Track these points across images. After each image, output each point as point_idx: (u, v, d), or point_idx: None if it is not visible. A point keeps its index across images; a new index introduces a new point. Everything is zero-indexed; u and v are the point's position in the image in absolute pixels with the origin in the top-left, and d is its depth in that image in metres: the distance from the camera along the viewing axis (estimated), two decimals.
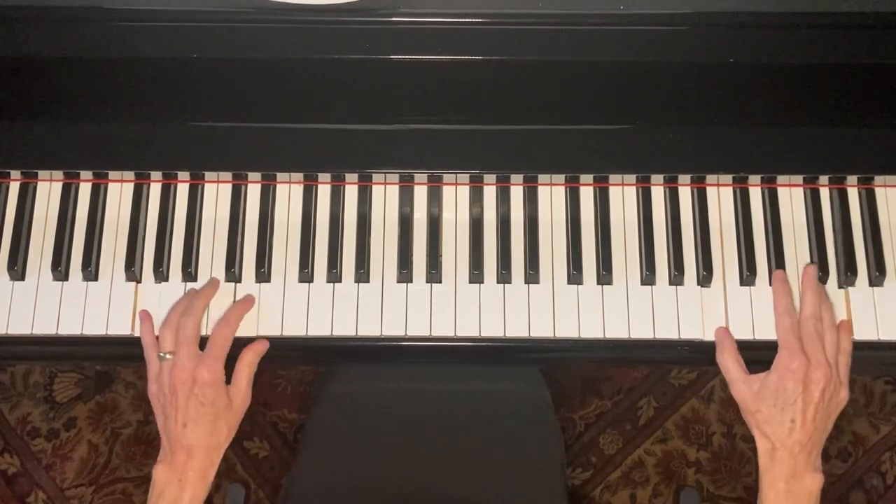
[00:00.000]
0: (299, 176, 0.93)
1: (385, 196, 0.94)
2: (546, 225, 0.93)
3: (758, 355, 0.86)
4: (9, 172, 0.94)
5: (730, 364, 0.86)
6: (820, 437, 0.83)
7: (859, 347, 0.90)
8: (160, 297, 0.91)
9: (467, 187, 0.94)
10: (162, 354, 0.85)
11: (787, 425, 0.81)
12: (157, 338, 0.87)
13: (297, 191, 0.94)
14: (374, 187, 0.94)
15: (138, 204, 0.93)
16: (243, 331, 0.89)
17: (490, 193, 0.94)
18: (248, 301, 0.90)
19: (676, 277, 0.91)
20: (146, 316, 0.89)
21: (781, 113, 0.91)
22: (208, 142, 0.90)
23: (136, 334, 0.89)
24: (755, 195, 0.94)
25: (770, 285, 0.91)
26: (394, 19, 0.90)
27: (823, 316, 0.86)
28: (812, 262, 0.91)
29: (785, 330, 0.85)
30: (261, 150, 0.90)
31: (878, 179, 0.93)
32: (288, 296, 0.91)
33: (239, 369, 0.87)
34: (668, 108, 0.91)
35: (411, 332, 0.90)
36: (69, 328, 0.90)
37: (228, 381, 0.86)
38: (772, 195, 0.93)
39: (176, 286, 0.91)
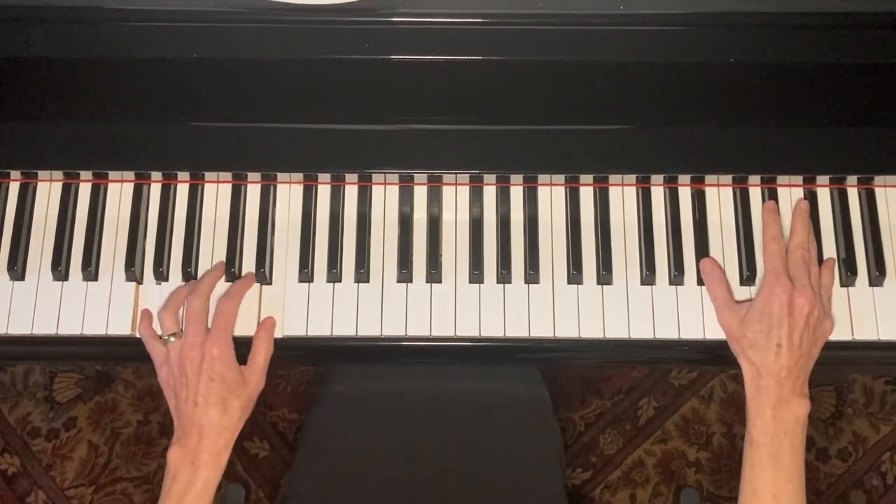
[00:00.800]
0: (299, 176, 0.93)
1: (385, 196, 0.94)
2: (546, 225, 0.93)
3: None
4: (9, 172, 0.94)
5: (718, 290, 0.87)
6: (806, 364, 0.83)
7: (859, 347, 0.90)
8: (160, 297, 0.90)
9: (467, 187, 0.94)
10: (165, 337, 0.85)
11: (772, 350, 0.81)
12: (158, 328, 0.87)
13: (297, 191, 0.94)
14: (374, 187, 0.94)
15: (138, 204, 0.93)
16: (243, 330, 0.89)
17: (490, 193, 0.94)
18: (249, 278, 0.90)
19: (676, 277, 0.91)
20: (147, 313, 0.89)
21: (781, 113, 0.91)
22: (208, 142, 0.90)
23: (137, 334, 0.89)
24: (755, 195, 0.94)
25: None
26: (394, 19, 0.90)
27: (810, 247, 0.88)
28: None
29: (772, 255, 0.86)
30: (261, 150, 0.90)
31: (878, 179, 0.93)
32: (288, 296, 0.91)
33: (256, 348, 0.87)
34: (668, 108, 0.91)
35: (411, 332, 0.90)
36: (69, 328, 0.90)
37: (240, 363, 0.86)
38: (772, 195, 0.93)
39: (176, 286, 0.91)
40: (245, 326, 0.89)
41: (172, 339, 0.85)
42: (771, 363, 0.81)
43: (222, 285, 0.91)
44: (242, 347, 0.88)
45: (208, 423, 0.82)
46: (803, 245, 0.87)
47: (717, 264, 0.90)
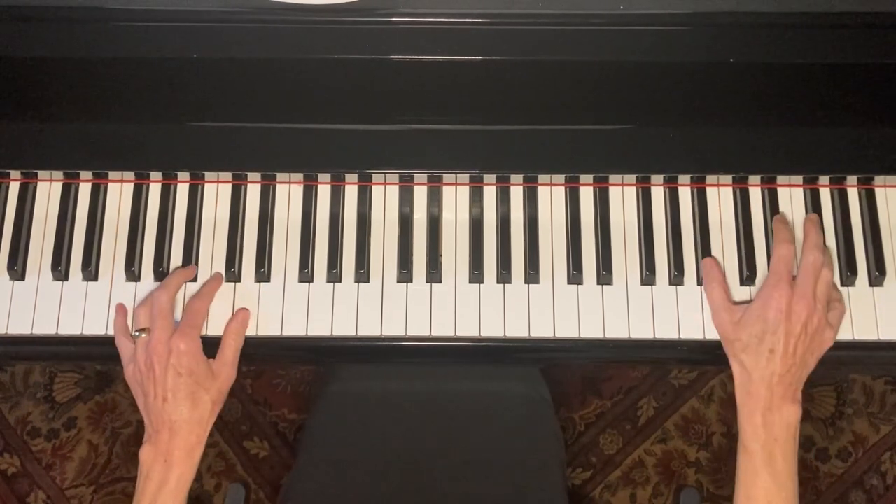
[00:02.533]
0: (299, 176, 0.93)
1: (385, 196, 0.94)
2: (546, 225, 0.93)
3: None
4: (9, 172, 0.94)
5: (716, 292, 0.86)
6: (799, 372, 0.81)
7: (860, 347, 0.90)
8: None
9: (467, 187, 0.94)
10: (136, 333, 0.85)
11: (764, 355, 0.80)
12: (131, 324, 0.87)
13: (297, 191, 0.94)
14: (374, 187, 0.94)
15: (138, 204, 0.93)
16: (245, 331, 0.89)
17: (490, 193, 0.94)
18: (219, 277, 0.90)
19: (676, 277, 0.91)
20: (121, 307, 0.89)
21: (781, 113, 0.91)
22: (208, 142, 0.90)
23: (134, 333, 0.89)
24: (755, 195, 0.94)
25: None
26: (394, 19, 0.90)
27: (823, 253, 0.85)
28: None
29: (779, 259, 0.84)
30: (261, 150, 0.90)
31: (878, 179, 0.93)
32: (288, 296, 0.91)
33: (225, 342, 0.87)
34: (668, 108, 0.91)
35: (411, 332, 0.90)
36: (69, 328, 0.90)
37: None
38: (772, 195, 0.93)
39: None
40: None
41: (143, 335, 0.85)
42: (762, 368, 0.80)
43: (222, 286, 0.91)
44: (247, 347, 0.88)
45: (179, 419, 0.82)
46: (819, 248, 0.85)
47: (718, 265, 0.89)
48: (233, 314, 0.89)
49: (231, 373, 0.86)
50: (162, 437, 0.82)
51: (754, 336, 0.81)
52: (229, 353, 0.86)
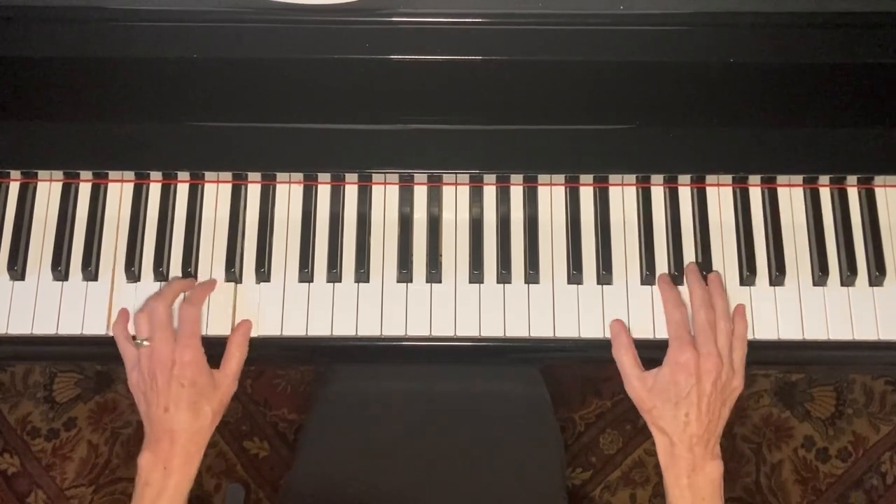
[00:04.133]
0: (299, 176, 0.93)
1: (385, 196, 0.94)
2: (546, 225, 0.93)
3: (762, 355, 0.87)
4: (9, 172, 0.94)
5: (625, 359, 0.86)
6: (716, 427, 0.83)
7: (860, 347, 0.90)
8: None
9: (467, 187, 0.94)
10: (139, 341, 0.85)
11: (681, 419, 0.81)
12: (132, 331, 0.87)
13: (297, 191, 0.94)
14: (374, 187, 0.94)
15: (138, 204, 0.93)
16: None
17: (490, 193, 0.94)
18: (211, 282, 0.90)
19: (676, 277, 0.91)
20: (123, 311, 0.89)
21: (781, 113, 0.91)
22: (208, 142, 0.90)
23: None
24: (755, 195, 0.94)
25: (770, 285, 0.91)
26: (394, 19, 0.90)
27: (716, 304, 0.86)
28: (812, 262, 0.91)
29: (675, 324, 0.85)
30: (261, 150, 0.90)
31: (878, 179, 0.93)
32: (288, 296, 0.91)
33: (229, 353, 0.87)
34: (668, 108, 0.91)
35: (411, 332, 0.90)
36: (69, 328, 0.90)
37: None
38: (772, 195, 0.93)
39: None
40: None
41: (146, 343, 0.85)
42: (681, 432, 0.82)
43: (223, 286, 0.91)
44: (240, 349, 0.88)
45: (180, 429, 0.82)
46: (705, 304, 0.85)
47: (624, 328, 0.88)
48: (236, 326, 0.89)
49: (233, 384, 0.87)
50: (162, 446, 0.82)
51: (669, 402, 0.82)
52: (233, 365, 0.87)
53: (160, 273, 0.91)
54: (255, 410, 1.69)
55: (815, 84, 0.91)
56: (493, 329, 0.90)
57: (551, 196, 0.94)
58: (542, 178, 0.93)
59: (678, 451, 0.82)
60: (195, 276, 0.91)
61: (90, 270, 0.91)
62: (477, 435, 1.08)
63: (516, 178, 0.93)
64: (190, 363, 0.83)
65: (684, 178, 0.93)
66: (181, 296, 0.89)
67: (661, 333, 0.89)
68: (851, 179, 0.93)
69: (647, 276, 0.91)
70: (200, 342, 0.85)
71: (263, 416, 1.69)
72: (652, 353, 0.91)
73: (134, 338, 0.87)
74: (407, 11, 0.89)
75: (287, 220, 0.93)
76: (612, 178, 0.93)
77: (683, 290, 0.90)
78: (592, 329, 0.90)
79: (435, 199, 0.94)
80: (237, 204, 0.93)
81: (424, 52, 0.90)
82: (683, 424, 0.81)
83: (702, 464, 0.81)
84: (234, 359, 0.87)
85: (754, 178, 0.93)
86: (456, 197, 0.94)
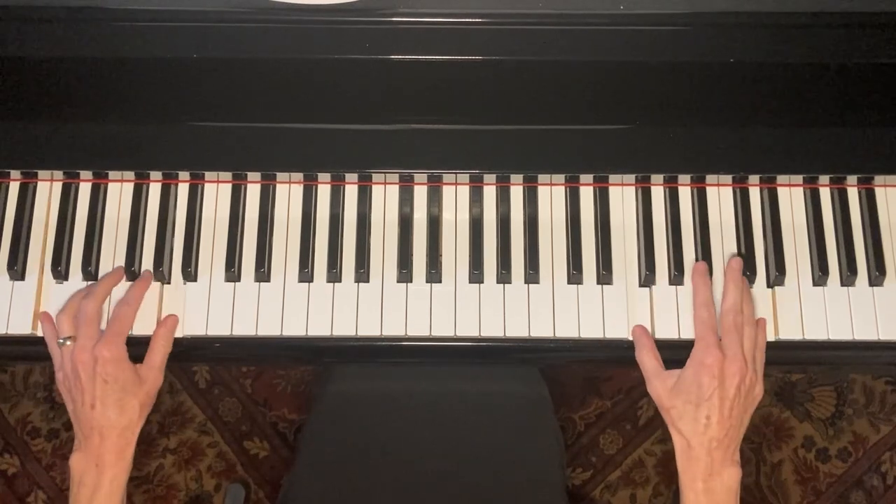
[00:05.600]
0: (299, 176, 0.93)
1: (385, 196, 0.94)
2: (546, 225, 0.93)
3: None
4: (9, 172, 0.94)
5: (647, 361, 0.86)
6: (737, 433, 0.81)
7: (860, 347, 0.90)
8: (160, 297, 0.91)
9: (467, 187, 0.94)
10: (61, 340, 0.85)
11: (702, 422, 0.80)
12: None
13: (297, 191, 0.94)
14: (374, 187, 0.94)
15: (138, 204, 0.93)
16: (241, 330, 0.90)
17: (490, 193, 0.94)
18: (147, 278, 0.90)
19: (676, 277, 0.91)
20: (47, 315, 0.89)
21: (781, 113, 0.91)
22: (208, 142, 0.90)
23: (136, 334, 0.89)
24: (755, 195, 0.94)
25: (770, 285, 0.91)
26: (394, 19, 0.89)
27: (744, 310, 0.85)
28: (812, 262, 0.91)
29: (702, 323, 0.84)
30: (261, 150, 0.90)
31: (878, 179, 0.93)
32: (288, 296, 0.91)
33: (153, 347, 0.87)
34: (668, 108, 0.91)
35: (411, 332, 0.90)
36: (69, 328, 0.90)
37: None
38: (772, 195, 0.93)
39: (176, 286, 0.91)
40: (244, 326, 0.90)
41: (68, 342, 0.85)
42: (700, 434, 0.80)
43: (223, 285, 0.91)
44: (238, 348, 0.87)
45: (108, 425, 0.82)
46: (736, 308, 0.84)
47: (646, 331, 0.88)
48: (162, 319, 0.89)
49: (158, 377, 0.87)
50: (92, 443, 0.82)
51: (690, 403, 0.81)
52: (157, 358, 0.87)
53: (160, 273, 0.91)
54: (255, 410, 1.69)
55: (814, 84, 0.91)
56: (492, 329, 0.90)
57: (551, 196, 0.94)
58: (542, 178, 0.93)
59: (696, 454, 0.80)
60: (195, 277, 0.91)
61: (90, 270, 0.91)
62: (477, 435, 1.08)
63: (516, 178, 0.93)
64: (111, 360, 0.82)
65: (684, 178, 0.93)
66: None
67: (661, 333, 0.89)
68: (851, 179, 0.93)
69: (647, 276, 0.91)
70: (124, 340, 0.85)
71: (263, 416, 1.69)
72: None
73: (58, 339, 0.86)
74: (407, 11, 0.89)
75: (287, 220, 0.93)
76: (612, 178, 0.93)
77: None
78: (592, 329, 0.90)
79: (435, 199, 0.94)
80: (237, 204, 0.93)
81: (424, 52, 0.90)
82: (703, 427, 0.80)
83: (720, 469, 0.80)
84: (158, 352, 0.87)
85: (754, 178, 0.93)
86: (456, 197, 0.94)
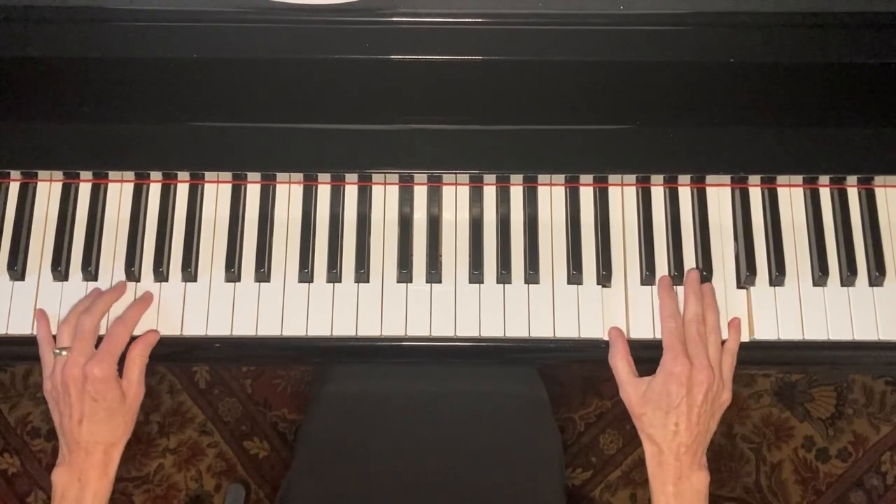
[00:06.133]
0: (299, 176, 0.93)
1: (385, 196, 0.94)
2: (546, 225, 0.93)
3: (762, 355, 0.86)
4: (9, 172, 0.94)
5: (620, 366, 0.87)
6: (704, 438, 0.84)
7: (860, 347, 0.90)
8: (160, 297, 0.91)
9: (467, 187, 0.94)
10: (57, 351, 0.85)
11: (671, 428, 0.82)
12: (55, 337, 0.87)
13: (297, 191, 0.94)
14: (374, 187, 0.94)
15: (138, 204, 0.93)
16: (241, 330, 0.90)
17: (490, 193, 0.94)
18: (147, 299, 0.90)
19: (676, 278, 0.91)
20: (43, 314, 0.89)
21: (781, 113, 0.91)
22: (208, 142, 0.90)
23: (135, 333, 0.89)
24: (755, 195, 0.94)
25: (770, 285, 0.91)
26: (394, 19, 0.90)
27: (707, 318, 0.87)
28: (812, 262, 0.91)
29: (670, 333, 0.86)
30: (261, 150, 0.90)
31: (878, 179, 0.93)
32: (288, 296, 0.91)
33: (129, 362, 0.87)
34: (668, 108, 0.91)
35: (411, 332, 0.90)
36: None
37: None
38: (772, 195, 0.93)
39: (176, 286, 0.91)
40: (244, 326, 0.90)
41: (63, 353, 0.85)
42: (670, 441, 0.82)
43: (223, 285, 0.91)
44: (243, 349, 0.87)
45: (93, 441, 0.83)
46: (697, 318, 0.86)
47: (622, 335, 0.89)
48: (142, 335, 0.88)
49: (139, 391, 0.87)
50: (76, 458, 0.83)
51: (660, 410, 0.83)
52: (135, 372, 0.86)
53: (160, 273, 0.91)
54: (255, 410, 1.69)
55: (815, 84, 0.91)
56: (492, 329, 0.90)
57: (551, 196, 0.94)
58: (542, 178, 0.93)
59: (666, 459, 0.83)
60: (195, 277, 0.91)
61: (90, 270, 0.91)
62: (476, 435, 1.08)
63: (516, 178, 0.93)
64: (101, 378, 0.83)
65: (684, 178, 0.93)
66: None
67: (661, 333, 0.89)
68: (851, 179, 0.93)
69: (647, 276, 0.91)
70: (115, 360, 0.85)
71: (263, 416, 1.69)
72: (653, 353, 0.91)
73: (55, 348, 0.86)
74: (407, 11, 0.89)
75: (287, 220, 0.93)
76: (612, 178, 0.93)
77: (680, 293, 0.90)
78: (592, 329, 0.90)
79: (435, 199, 0.94)
80: (237, 204, 0.93)
81: (424, 52, 0.90)
82: (672, 433, 0.82)
83: (688, 473, 0.82)
84: (136, 365, 0.87)
85: (754, 178, 0.93)
86: (456, 197, 0.94)
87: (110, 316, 0.89)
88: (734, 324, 0.89)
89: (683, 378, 0.82)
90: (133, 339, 0.87)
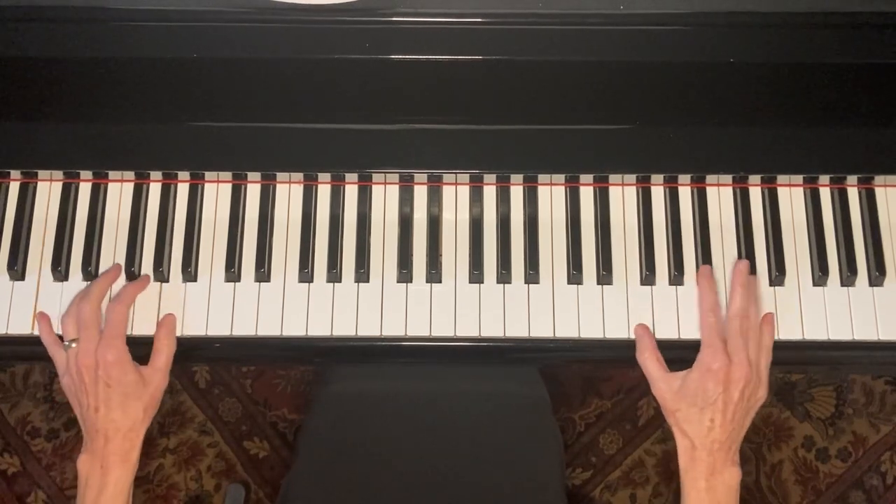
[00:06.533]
0: (299, 176, 0.93)
1: (385, 196, 0.94)
2: (546, 225, 0.93)
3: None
4: (9, 172, 0.94)
5: (650, 363, 0.86)
6: (738, 435, 0.83)
7: (860, 347, 0.90)
8: (160, 297, 0.91)
9: (467, 187, 0.94)
10: (67, 343, 0.85)
11: (706, 424, 0.81)
12: (60, 337, 0.87)
13: (297, 191, 0.94)
14: (374, 187, 0.94)
15: (138, 204, 0.93)
16: (241, 330, 0.90)
17: (490, 193, 0.94)
18: (144, 280, 0.90)
19: (676, 277, 0.91)
20: (44, 317, 0.89)
21: (781, 113, 0.91)
22: (208, 142, 0.90)
23: (136, 334, 0.89)
24: (755, 195, 0.94)
25: (770, 285, 0.91)
26: (394, 19, 0.90)
27: (750, 315, 0.86)
28: (812, 262, 0.91)
29: (709, 328, 0.85)
30: (261, 150, 0.90)
31: (878, 179, 0.93)
32: (288, 296, 0.91)
33: (157, 347, 0.87)
34: (668, 108, 0.91)
35: (411, 332, 0.90)
36: None
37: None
38: (772, 195, 0.93)
39: (176, 286, 0.91)
40: (244, 326, 0.90)
41: (73, 344, 0.85)
42: (704, 436, 0.82)
43: (223, 285, 0.91)
44: (242, 349, 0.88)
45: (112, 427, 0.83)
46: (742, 313, 0.84)
47: (648, 331, 0.88)
48: (161, 320, 0.88)
49: (163, 378, 0.87)
50: (97, 445, 0.83)
51: (695, 406, 0.82)
52: (162, 360, 0.87)
53: (160, 273, 0.91)
54: (255, 410, 1.69)
55: (814, 84, 0.91)
56: (492, 329, 0.90)
57: (551, 196, 0.94)
58: (542, 178, 0.93)
59: (699, 455, 0.82)
60: (195, 277, 0.91)
61: (90, 270, 0.91)
62: (476, 435, 1.08)
63: (516, 178, 0.93)
64: (113, 363, 0.83)
65: (684, 178, 0.93)
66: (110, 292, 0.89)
67: (661, 333, 0.89)
68: (851, 179, 0.93)
69: (647, 276, 0.91)
70: (123, 341, 0.84)
71: (263, 416, 1.69)
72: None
73: (61, 338, 0.86)
74: (407, 11, 0.89)
75: (287, 220, 0.93)
76: (612, 178, 0.93)
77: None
78: (592, 329, 0.90)
79: (435, 199, 0.94)
80: (237, 204, 0.93)
81: (424, 52, 0.90)
82: (707, 429, 0.81)
83: (721, 469, 0.81)
84: (163, 353, 0.87)
85: (754, 178, 0.93)
86: (456, 197, 0.94)
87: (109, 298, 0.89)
88: (767, 318, 0.88)
89: (721, 375, 0.81)
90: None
